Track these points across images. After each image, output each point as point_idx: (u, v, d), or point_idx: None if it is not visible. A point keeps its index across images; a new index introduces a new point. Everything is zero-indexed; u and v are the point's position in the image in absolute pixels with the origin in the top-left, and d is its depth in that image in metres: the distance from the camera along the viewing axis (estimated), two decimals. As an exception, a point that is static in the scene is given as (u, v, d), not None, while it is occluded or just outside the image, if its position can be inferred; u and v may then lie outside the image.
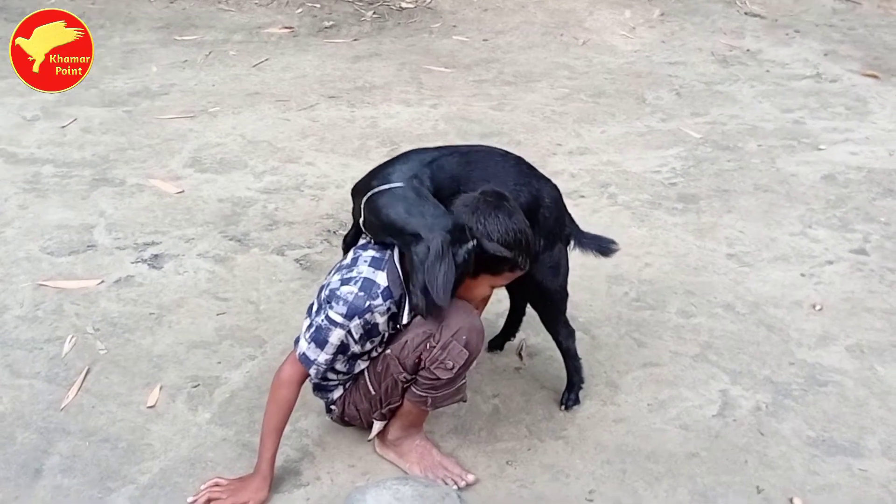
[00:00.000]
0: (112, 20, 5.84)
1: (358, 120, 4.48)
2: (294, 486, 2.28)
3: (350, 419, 2.31)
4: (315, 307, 2.18)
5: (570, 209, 2.51)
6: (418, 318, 2.13)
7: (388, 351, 2.16)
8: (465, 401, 2.29)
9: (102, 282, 3.09)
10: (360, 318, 2.08)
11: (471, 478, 2.29)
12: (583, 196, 3.78)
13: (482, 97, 4.83)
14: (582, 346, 2.73)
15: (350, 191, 2.29)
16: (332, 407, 2.31)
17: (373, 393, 2.22)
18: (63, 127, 4.26)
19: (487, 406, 2.58)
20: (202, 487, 2.22)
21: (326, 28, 5.87)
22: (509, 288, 2.60)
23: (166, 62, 5.16)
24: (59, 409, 2.51)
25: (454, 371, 2.10)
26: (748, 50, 5.76)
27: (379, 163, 2.31)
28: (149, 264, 3.20)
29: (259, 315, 2.95)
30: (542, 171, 2.43)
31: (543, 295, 2.45)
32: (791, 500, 2.29)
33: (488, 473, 2.34)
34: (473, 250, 2.02)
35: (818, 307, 3.09)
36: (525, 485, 2.31)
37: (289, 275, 3.17)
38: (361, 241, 2.26)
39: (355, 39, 5.68)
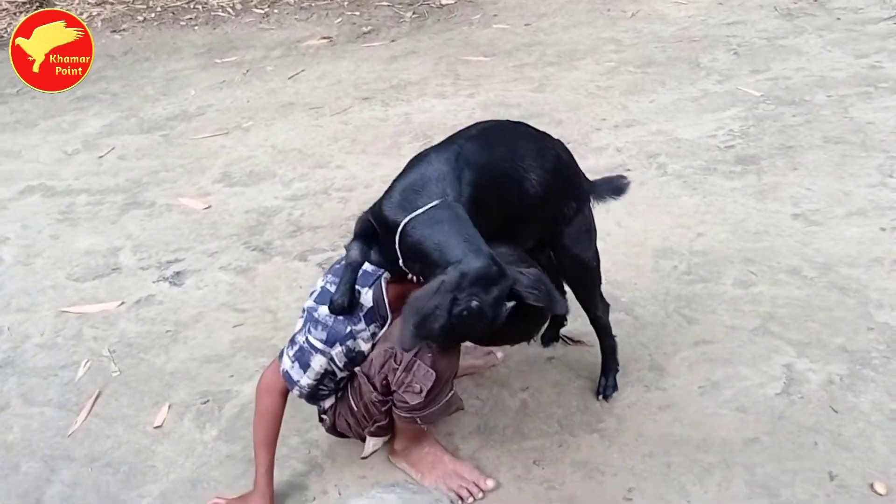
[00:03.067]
0: (157, 52, 5.89)
1: (391, 118, 4.30)
2: (300, 501, 2.09)
3: (342, 430, 2.09)
4: (307, 305, 1.97)
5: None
6: (383, 332, 1.88)
7: (358, 368, 1.92)
8: (461, 409, 2.02)
9: (123, 303, 3.00)
10: (341, 344, 1.87)
11: (490, 484, 2.03)
12: (628, 169, 3.46)
13: (522, 81, 4.57)
14: (623, 328, 2.46)
15: (361, 222, 1.89)
16: (324, 417, 2.10)
17: (355, 409, 2.00)
18: (101, 157, 4.26)
19: (514, 401, 2.32)
20: (200, 508, 2.06)
21: (365, 34, 5.74)
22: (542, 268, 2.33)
23: (205, 85, 5.14)
24: (66, 435, 2.40)
25: (423, 395, 1.83)
26: (816, 0, 5.28)
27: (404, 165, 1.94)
28: (170, 282, 3.09)
29: (276, 323, 2.78)
30: (585, 148, 2.15)
31: (580, 265, 2.12)
32: (872, 485, 1.93)
33: (512, 476, 2.08)
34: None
35: (902, 263, 2.68)
36: (554, 486, 2.04)
37: (310, 280, 3.00)
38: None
39: (393, 41, 5.52)
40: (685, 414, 2.21)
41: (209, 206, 3.62)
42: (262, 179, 3.82)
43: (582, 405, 2.28)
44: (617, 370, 2.30)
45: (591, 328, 2.37)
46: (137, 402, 2.50)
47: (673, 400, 2.26)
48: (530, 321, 1.73)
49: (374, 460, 2.17)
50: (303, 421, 2.29)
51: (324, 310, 1.85)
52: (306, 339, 1.87)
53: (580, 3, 5.73)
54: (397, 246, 1.73)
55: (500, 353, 2.47)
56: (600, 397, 2.27)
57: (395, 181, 1.87)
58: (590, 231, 2.10)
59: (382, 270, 1.88)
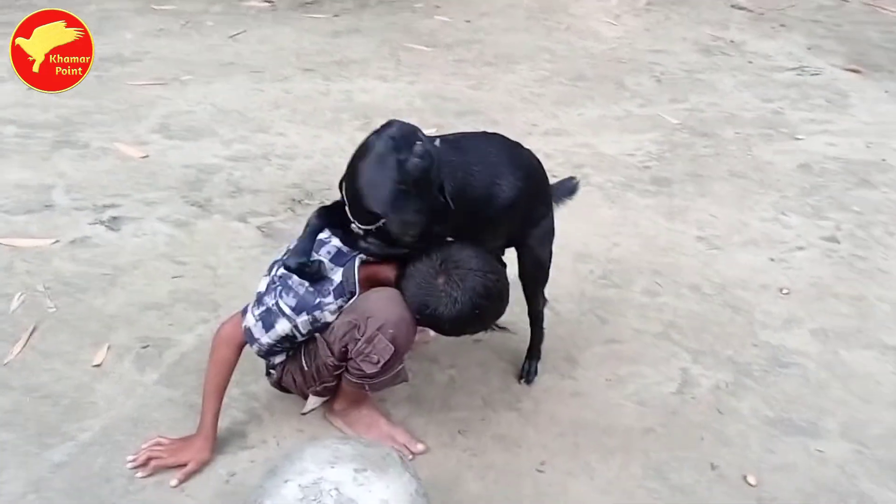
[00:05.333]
0: (90, -13, 5.73)
1: (332, 93, 4.41)
2: (239, 447, 2.23)
3: (287, 386, 2.23)
4: (274, 272, 2.09)
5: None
6: (348, 304, 2.04)
7: (318, 334, 2.07)
8: (406, 380, 2.21)
9: (57, 241, 3.01)
10: (308, 314, 2.01)
11: (420, 447, 2.24)
12: (556, 176, 3.62)
13: (461, 76, 4.77)
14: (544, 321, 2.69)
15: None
16: (272, 371, 2.23)
17: (305, 369, 2.14)
18: (29, 89, 4.15)
19: (443, 376, 2.53)
20: (143, 446, 2.16)
21: (307, 4, 5.78)
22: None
23: (141, 30, 5.06)
24: (1, 364, 2.43)
25: (380, 366, 2.00)
26: (732, 41, 5.72)
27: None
28: (106, 226, 3.12)
29: (216, 280, 2.88)
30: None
31: (538, 264, 2.36)
32: (745, 477, 2.25)
33: (439, 442, 2.29)
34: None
35: (785, 291, 3.05)
36: (476, 454, 2.27)
37: (249, 241, 3.10)
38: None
39: (336, 15, 5.60)
40: (593, 402, 2.48)
41: (147, 156, 3.64)
42: (202, 136, 3.86)
43: (503, 385, 2.52)
44: (539, 358, 2.54)
45: (514, 318, 2.61)
46: (76, 340, 2.55)
47: (583, 389, 2.53)
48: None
49: (311, 417, 2.33)
50: (243, 374, 2.40)
51: (297, 278, 1.99)
52: (276, 302, 2.00)
53: (519, 8, 5.97)
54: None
55: (431, 331, 2.66)
56: (522, 381, 2.51)
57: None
58: (551, 233, 2.34)
59: (357, 252, 2.03)
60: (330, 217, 2.01)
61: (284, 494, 1.67)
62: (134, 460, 2.12)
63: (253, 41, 5.05)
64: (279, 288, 2.01)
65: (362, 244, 1.99)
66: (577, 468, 2.25)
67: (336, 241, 2.04)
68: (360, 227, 1.94)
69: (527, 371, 2.51)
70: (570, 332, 2.76)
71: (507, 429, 2.35)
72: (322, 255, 2.02)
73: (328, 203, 2.07)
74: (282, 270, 2.03)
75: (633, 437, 2.36)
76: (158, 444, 2.15)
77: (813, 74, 5.21)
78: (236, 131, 3.92)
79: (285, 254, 2.08)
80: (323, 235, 2.04)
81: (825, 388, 2.61)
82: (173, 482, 2.09)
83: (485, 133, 2.24)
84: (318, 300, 2.00)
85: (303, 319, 2.00)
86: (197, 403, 2.30)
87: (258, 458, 2.20)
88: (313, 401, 2.26)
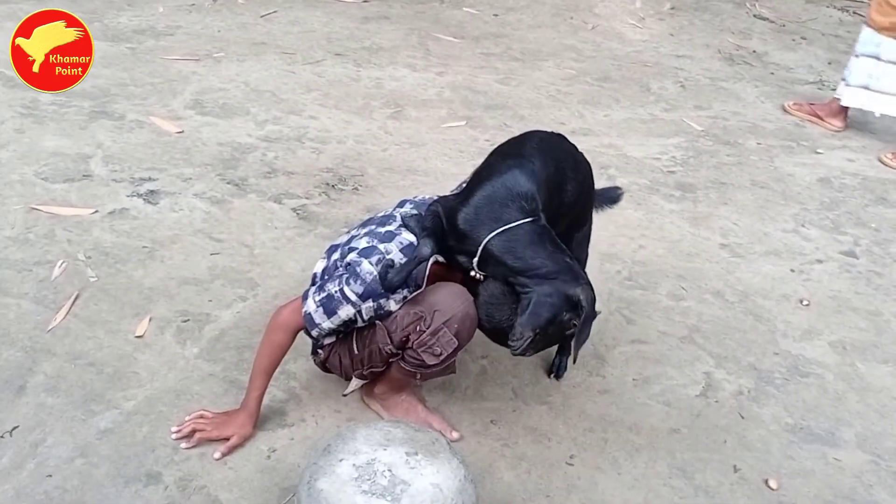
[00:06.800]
0: (120, -43, 5.74)
1: (363, 79, 4.45)
2: (279, 425, 2.29)
3: (332, 367, 2.29)
4: (336, 258, 2.12)
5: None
6: (413, 295, 2.08)
7: (379, 321, 2.11)
8: (454, 372, 2.28)
9: (96, 211, 3.06)
10: (374, 301, 2.05)
11: (455, 435, 2.30)
12: (582, 175, 3.77)
13: (489, 70, 4.82)
14: (572, 317, 2.75)
15: (432, 216, 2.07)
16: (319, 350, 2.28)
17: (356, 353, 2.19)
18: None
19: (476, 366, 2.59)
20: (187, 418, 2.22)
21: (337, -13, 5.81)
22: None
23: (173, 4, 5.09)
24: (45, 330, 2.49)
25: (441, 358, 2.06)
26: (754, 51, 5.78)
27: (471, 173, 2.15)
28: (144, 199, 3.17)
29: (253, 259, 2.93)
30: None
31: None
32: (766, 481, 2.33)
33: (472, 431, 2.36)
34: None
35: (805, 302, 3.13)
36: (508, 444, 2.33)
37: (285, 223, 3.15)
38: (408, 210, 2.17)
39: (365, 1, 5.63)
40: (620, 400, 2.55)
41: (182, 131, 3.68)
42: (235, 114, 3.90)
43: (534, 379, 2.58)
44: (569, 354, 2.60)
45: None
46: (117, 311, 2.61)
47: (610, 387, 2.60)
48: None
49: (349, 399, 2.39)
50: (283, 353, 2.47)
51: (367, 266, 2.01)
52: (341, 289, 2.03)
53: (545, 4, 6.01)
54: (478, 251, 1.96)
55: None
56: (552, 376, 2.58)
57: (474, 186, 2.04)
58: (590, 236, 2.40)
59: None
60: (437, 243, 2.05)
61: (339, 473, 1.73)
62: (178, 431, 2.18)
63: (284, 22, 5.08)
64: (345, 275, 2.04)
65: (454, 262, 2.06)
66: (606, 463, 2.32)
67: (407, 234, 2.07)
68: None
69: (556, 366, 2.58)
70: (597, 331, 2.81)
71: (538, 421, 2.42)
72: (395, 245, 2.06)
73: (427, 224, 2.07)
74: (351, 256, 2.05)
75: (660, 436, 2.43)
76: (202, 416, 2.21)
77: (833, 89, 5.26)
78: (269, 112, 3.96)
79: (348, 241, 2.12)
80: (392, 227, 2.10)
81: (843, 399, 2.68)
82: (216, 455, 2.15)
83: (552, 134, 2.28)
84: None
85: (367, 306, 2.05)
86: (238, 380, 2.38)
87: (297, 435, 2.26)
88: (355, 383, 2.32)
